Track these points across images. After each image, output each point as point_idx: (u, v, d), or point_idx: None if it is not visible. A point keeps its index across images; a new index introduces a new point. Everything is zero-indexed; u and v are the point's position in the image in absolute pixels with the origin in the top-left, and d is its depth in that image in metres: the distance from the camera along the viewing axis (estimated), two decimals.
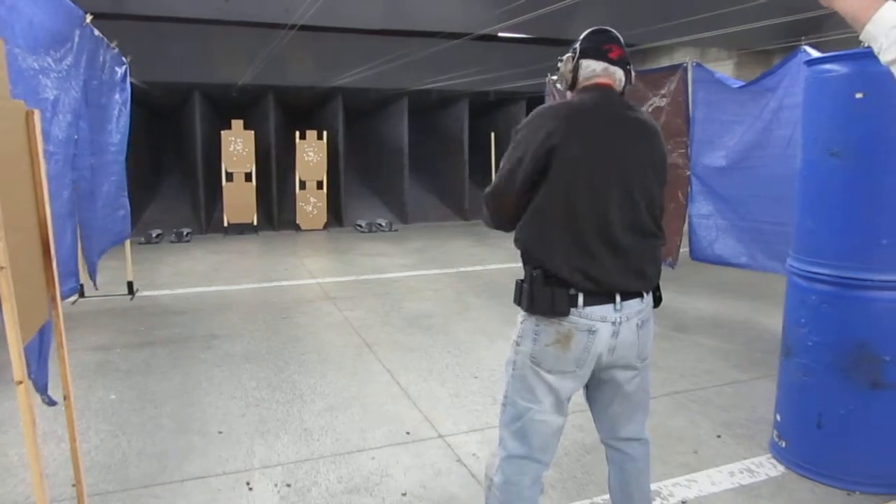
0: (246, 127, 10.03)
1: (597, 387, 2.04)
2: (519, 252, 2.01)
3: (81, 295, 5.72)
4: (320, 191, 10.64)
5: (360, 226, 10.70)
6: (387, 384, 3.96)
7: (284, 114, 11.51)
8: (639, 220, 1.91)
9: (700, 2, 7.62)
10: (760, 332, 4.99)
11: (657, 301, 2.03)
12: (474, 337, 4.92)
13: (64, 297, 4.06)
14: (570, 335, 1.88)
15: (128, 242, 5.92)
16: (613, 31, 2.01)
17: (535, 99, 11.66)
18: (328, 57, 9.99)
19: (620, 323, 1.90)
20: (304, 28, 7.74)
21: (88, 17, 3.91)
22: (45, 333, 2.13)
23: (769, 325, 5.13)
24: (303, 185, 10.56)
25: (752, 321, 5.31)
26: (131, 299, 5.91)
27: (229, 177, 10.01)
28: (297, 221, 10.56)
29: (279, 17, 7.15)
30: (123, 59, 5.41)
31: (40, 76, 3.03)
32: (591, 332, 1.88)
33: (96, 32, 4.23)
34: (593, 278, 1.85)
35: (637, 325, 1.95)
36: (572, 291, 1.86)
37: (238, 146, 9.94)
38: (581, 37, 2.01)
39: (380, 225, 10.69)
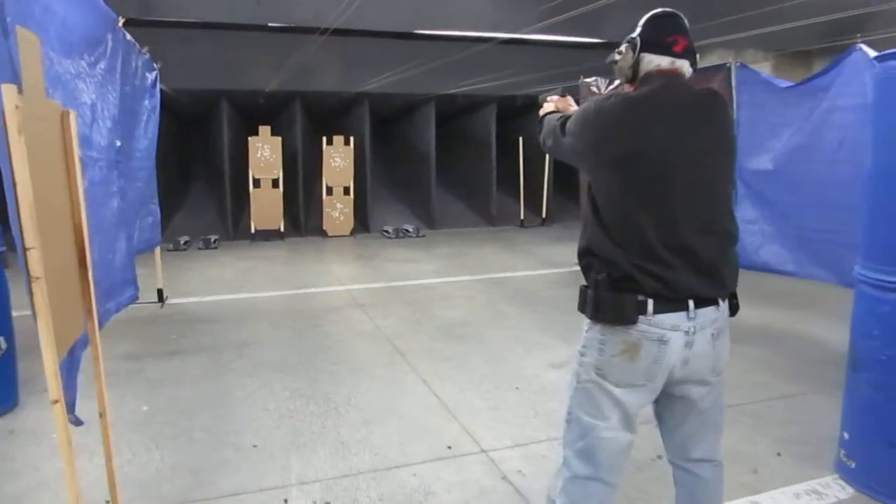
0: (273, 133, 10.01)
1: (667, 403, 1.88)
2: (580, 257, 1.87)
3: None
4: (347, 196, 10.58)
5: (386, 231, 10.61)
6: (423, 395, 3.83)
7: (311, 119, 11.49)
8: (709, 215, 1.76)
9: (736, 1, 7.42)
10: (808, 343, 4.77)
11: (733, 309, 1.87)
12: (510, 346, 4.77)
13: (124, 306, 4.02)
14: (639, 345, 1.74)
15: (158, 249, 5.88)
16: (678, 15, 1.83)
17: None
18: (354, 62, 9.94)
19: (694, 332, 1.75)
20: (333, 32, 7.69)
21: (120, 21, 3.85)
22: (76, 348, 2.03)
23: (817, 334, 4.91)
24: (329, 190, 10.51)
25: (798, 330, 5.09)
26: (161, 307, 5.86)
27: (256, 183, 9.99)
28: (324, 227, 10.50)
29: (308, 20, 7.10)
30: (154, 64, 5.38)
31: (77, 80, 2.96)
32: (662, 341, 1.73)
33: (128, 36, 4.18)
34: (664, 282, 1.70)
35: (712, 335, 1.79)
36: (641, 297, 1.71)
37: (265, 152, 9.92)
38: (641, 23, 1.84)
39: (407, 231, 10.59)
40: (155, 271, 5.92)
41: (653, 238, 1.69)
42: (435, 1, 7.73)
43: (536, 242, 9.93)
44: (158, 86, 5.55)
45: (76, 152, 1.86)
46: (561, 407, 1.94)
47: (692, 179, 1.72)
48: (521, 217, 11.83)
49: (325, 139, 10.42)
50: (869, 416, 2.71)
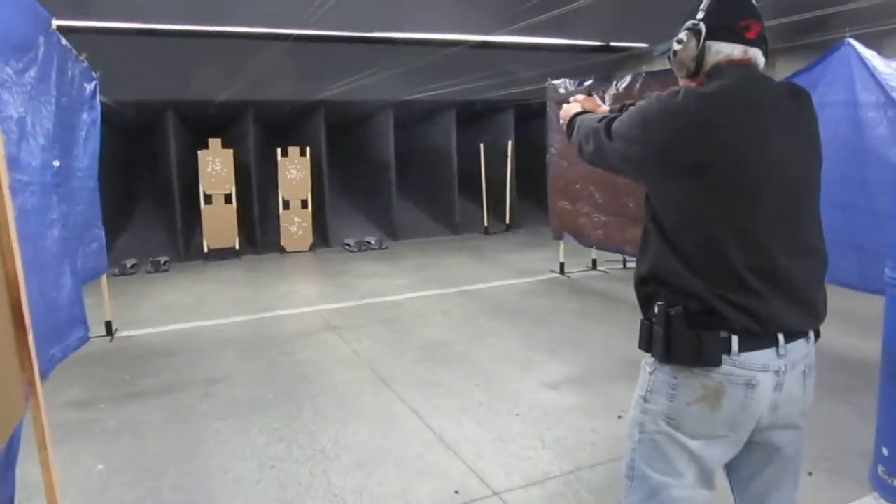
0: (224, 146, 9.47)
1: (745, 451, 1.59)
2: (642, 285, 1.57)
3: None
4: (305, 210, 10.10)
5: (348, 245, 10.18)
6: (417, 430, 3.48)
7: (264, 130, 10.96)
8: (800, 233, 1.49)
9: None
10: (824, 352, 4.61)
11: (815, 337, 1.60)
12: (501, 367, 4.46)
13: (72, 350, 3.52)
14: (722, 390, 1.45)
15: (104, 277, 5.34)
16: None
17: (522, 107, 11.32)
18: (309, 69, 9.50)
19: (785, 372, 1.47)
20: (286, 38, 7.28)
21: (55, 23, 3.39)
22: (13, 439, 1.61)
23: (833, 342, 4.76)
24: (286, 204, 10.01)
25: None
26: (111, 341, 5.32)
27: (208, 199, 9.42)
28: (282, 243, 10.00)
29: (264, 24, 6.68)
30: (93, 73, 4.87)
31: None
32: (750, 385, 1.44)
33: (64, 41, 3.70)
34: (753, 315, 1.41)
35: (804, 372, 1.53)
36: (724, 334, 1.43)
37: (216, 166, 9.36)
38: (704, 6, 1.53)
39: (369, 243, 10.19)
40: (101, 301, 5.38)
41: (738, 262, 1.41)
42: (395, 4, 7.40)
43: (504, 250, 9.68)
44: (98, 97, 5.04)
45: (5, 182, 1.46)
46: (622, 460, 1.63)
47: (781, 191, 1.44)
48: (485, 224, 11.58)
49: (279, 150, 9.93)
50: None
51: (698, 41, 1.52)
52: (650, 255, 1.53)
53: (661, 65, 9.94)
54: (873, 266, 3.54)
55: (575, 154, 1.84)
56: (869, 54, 4.08)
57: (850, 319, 4.33)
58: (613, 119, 1.60)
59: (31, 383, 1.46)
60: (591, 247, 7.12)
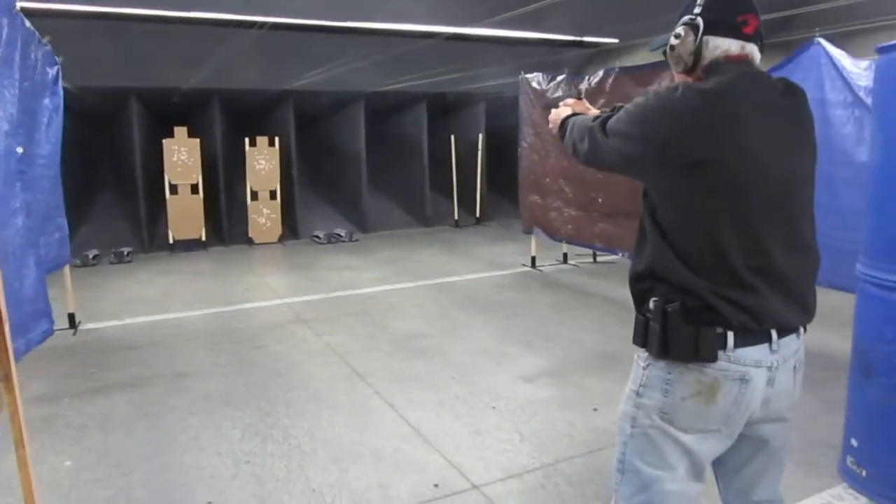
0: (190, 135, 9.24)
1: (734, 443, 1.61)
2: (638, 281, 1.57)
3: None
4: (273, 201, 9.94)
5: (318, 237, 10.06)
6: (394, 423, 3.45)
7: (231, 120, 10.73)
8: (795, 230, 1.51)
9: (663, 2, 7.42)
10: None
11: None
12: (475, 359, 4.46)
13: (36, 343, 3.39)
14: (717, 385, 1.46)
15: (67, 268, 5.17)
16: None
17: (494, 100, 11.33)
18: (278, 58, 9.33)
19: (777, 367, 1.49)
20: (255, 26, 7.12)
21: (18, 5, 3.24)
22: None
23: None
24: (255, 195, 9.83)
25: None
26: (74, 334, 5.16)
27: (173, 189, 9.19)
28: (250, 235, 9.83)
29: (234, 9, 6.52)
30: (56, 58, 4.69)
31: None
32: (744, 380, 1.46)
33: (28, 24, 3.55)
34: (749, 312, 1.43)
35: (794, 367, 1.55)
36: (719, 330, 1.44)
37: (182, 156, 9.13)
38: (701, 2, 1.51)
39: (339, 235, 10.08)
40: (64, 293, 5.21)
41: (736, 259, 1.41)
42: None
43: (474, 243, 9.68)
44: (61, 82, 4.85)
45: None
46: (613, 452, 1.64)
47: (778, 187, 1.45)
48: (456, 217, 11.57)
49: (247, 140, 9.74)
50: (885, 424, 2.58)
51: (696, 36, 1.52)
52: (647, 251, 1.52)
53: (631, 61, 10.07)
54: (839, 264, 3.64)
55: (567, 154, 1.84)
56: (838, 54, 4.18)
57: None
58: (608, 118, 1.60)
59: (8, 377, 1.39)
60: (561, 241, 7.16)
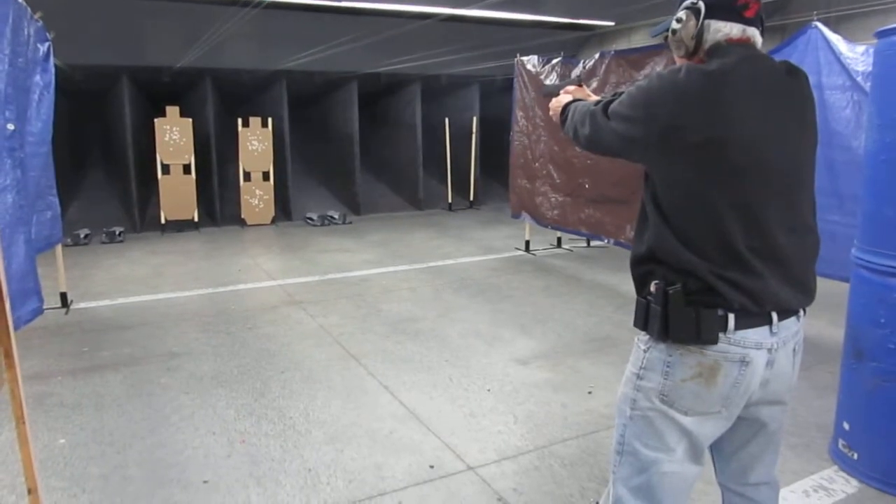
0: (182, 114, 9.14)
1: (732, 426, 1.63)
2: (639, 264, 1.56)
3: None
4: (266, 182, 9.86)
5: (311, 219, 10.02)
6: (389, 405, 3.46)
7: (224, 100, 10.61)
8: (796, 212, 1.51)
9: None
10: None
11: None
12: (469, 342, 4.47)
13: (25, 322, 3.37)
14: (717, 367, 1.47)
15: (59, 247, 5.13)
16: None
17: (487, 83, 11.26)
18: (271, 38, 9.23)
19: (776, 349, 1.50)
20: (247, 4, 7.02)
21: None
22: None
23: None
24: (247, 176, 9.76)
25: None
26: (66, 313, 5.13)
27: (165, 169, 9.10)
28: (243, 216, 9.76)
29: None
30: (47, 34, 4.60)
31: None
32: (744, 362, 1.47)
33: None
34: (751, 294, 1.43)
35: (793, 350, 1.55)
36: (721, 312, 1.44)
37: (174, 135, 9.03)
38: None
39: (332, 217, 10.04)
40: (56, 272, 5.17)
41: (738, 241, 1.42)
42: None
43: (468, 226, 9.67)
44: (52, 59, 4.77)
45: None
46: (612, 434, 1.65)
47: (780, 169, 1.45)
48: (449, 200, 11.54)
49: (240, 121, 9.64)
50: (876, 407, 2.61)
51: (697, 20, 1.51)
52: (648, 234, 1.52)
53: (627, 44, 10.01)
54: (833, 251, 3.65)
55: (568, 139, 1.83)
56: (835, 38, 4.17)
57: None
58: (610, 102, 1.59)
59: (8, 354, 1.38)
60: (547, 227, 7.08)
